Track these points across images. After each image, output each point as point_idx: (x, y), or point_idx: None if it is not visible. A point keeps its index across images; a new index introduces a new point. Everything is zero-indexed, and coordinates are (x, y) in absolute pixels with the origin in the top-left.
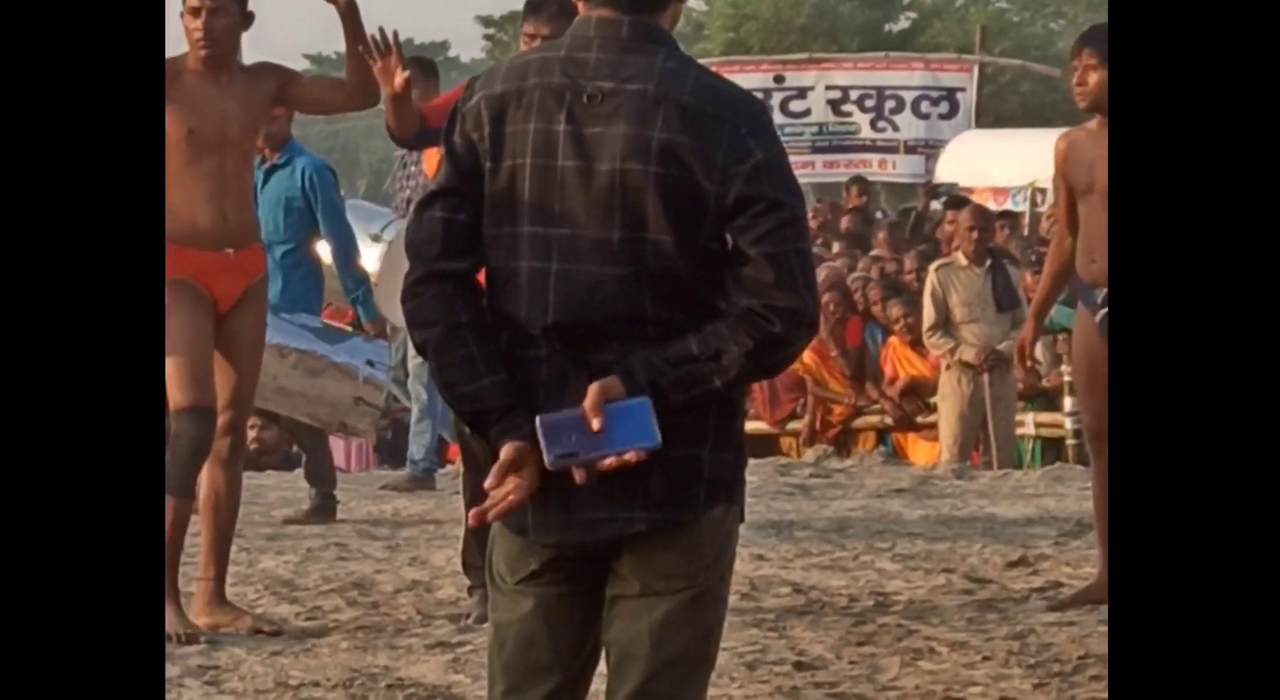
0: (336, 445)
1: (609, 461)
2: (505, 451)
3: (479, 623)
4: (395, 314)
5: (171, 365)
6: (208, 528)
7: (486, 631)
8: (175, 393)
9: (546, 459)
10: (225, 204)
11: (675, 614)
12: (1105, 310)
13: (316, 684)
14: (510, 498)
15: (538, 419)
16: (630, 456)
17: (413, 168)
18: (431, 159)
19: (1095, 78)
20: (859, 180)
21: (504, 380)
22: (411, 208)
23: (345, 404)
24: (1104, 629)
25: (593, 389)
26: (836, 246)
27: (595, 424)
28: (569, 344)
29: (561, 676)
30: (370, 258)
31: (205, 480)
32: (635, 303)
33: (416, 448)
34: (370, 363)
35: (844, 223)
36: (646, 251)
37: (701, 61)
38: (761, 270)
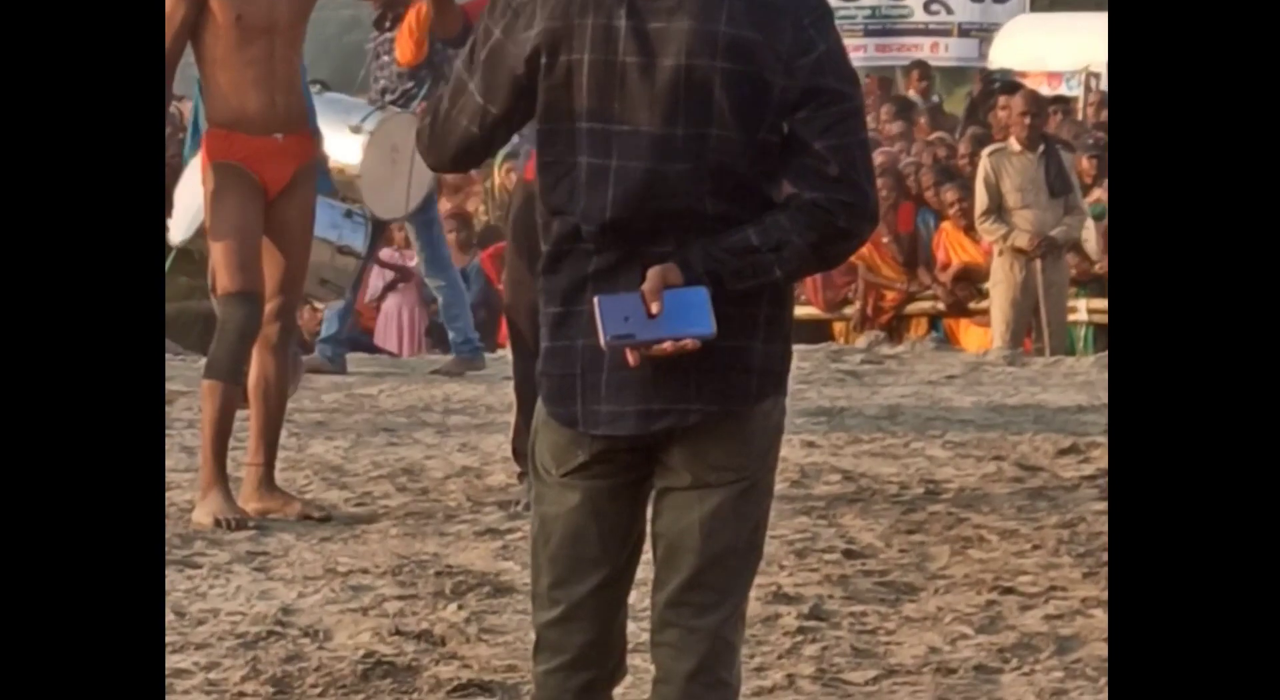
0: (390, 330)
1: (665, 346)
2: None
3: (529, 510)
4: (380, 206)
5: (219, 250)
6: (257, 413)
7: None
8: (223, 277)
9: (602, 339)
10: (274, 89)
11: (725, 506)
12: None
13: (365, 570)
14: None
15: (595, 299)
16: (687, 343)
17: (385, 57)
18: (404, 46)
19: None
20: (920, 65)
21: None
22: (418, 101)
23: (322, 260)
24: None
25: (652, 273)
26: (891, 127)
27: (654, 308)
28: (625, 239)
29: (609, 568)
30: (351, 149)
31: (255, 366)
32: (695, 198)
33: (453, 332)
34: (349, 213)
35: (885, 111)
36: (709, 147)
37: None
38: (825, 163)
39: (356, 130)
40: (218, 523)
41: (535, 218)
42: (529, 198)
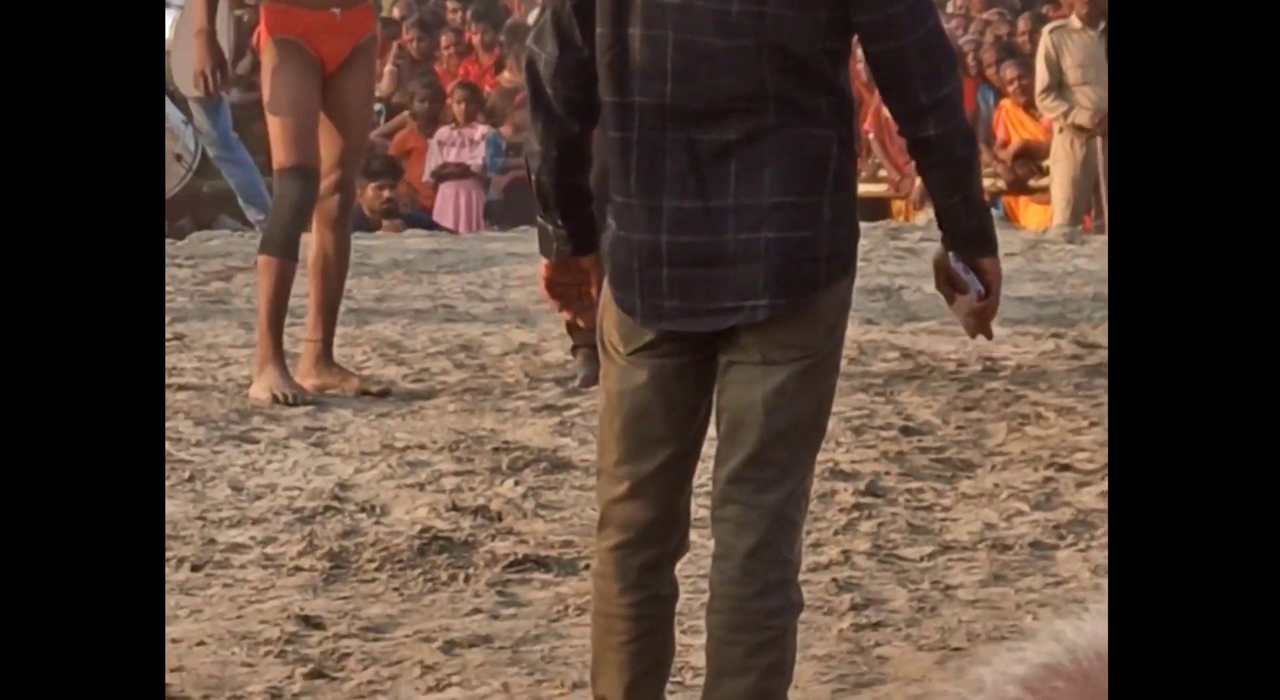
0: (447, 208)
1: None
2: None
3: (585, 385)
4: (186, 84)
5: (276, 125)
6: (316, 289)
7: (595, 395)
8: (279, 152)
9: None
10: None
11: (790, 383)
12: None
13: (422, 446)
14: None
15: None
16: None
17: None
18: None
19: None
20: None
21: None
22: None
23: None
24: None
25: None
26: (949, 5)
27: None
28: (684, 121)
29: (676, 445)
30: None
31: (314, 241)
32: (754, 76)
33: (252, 211)
34: (185, 121)
35: None
36: (766, 24)
37: None
38: (907, 78)
39: (168, 4)
40: (275, 398)
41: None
42: None
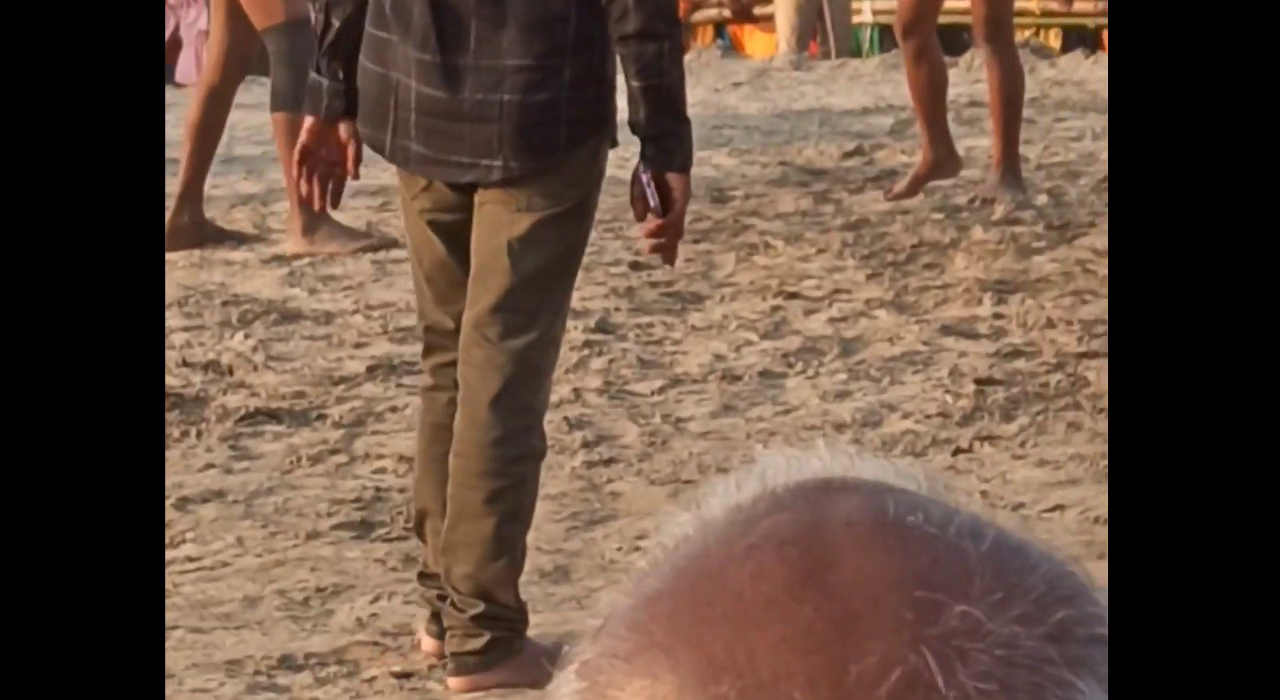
0: (189, 64)
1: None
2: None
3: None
4: None
5: None
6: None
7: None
8: (263, 11)
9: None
10: None
11: (536, 230)
12: None
13: None
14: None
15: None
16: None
17: None
18: None
19: None
20: None
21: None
22: None
23: None
24: (938, 216)
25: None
26: None
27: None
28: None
29: None
30: None
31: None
32: None
33: None
34: None
35: None
36: None
37: None
38: None
39: None
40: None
41: None
42: None
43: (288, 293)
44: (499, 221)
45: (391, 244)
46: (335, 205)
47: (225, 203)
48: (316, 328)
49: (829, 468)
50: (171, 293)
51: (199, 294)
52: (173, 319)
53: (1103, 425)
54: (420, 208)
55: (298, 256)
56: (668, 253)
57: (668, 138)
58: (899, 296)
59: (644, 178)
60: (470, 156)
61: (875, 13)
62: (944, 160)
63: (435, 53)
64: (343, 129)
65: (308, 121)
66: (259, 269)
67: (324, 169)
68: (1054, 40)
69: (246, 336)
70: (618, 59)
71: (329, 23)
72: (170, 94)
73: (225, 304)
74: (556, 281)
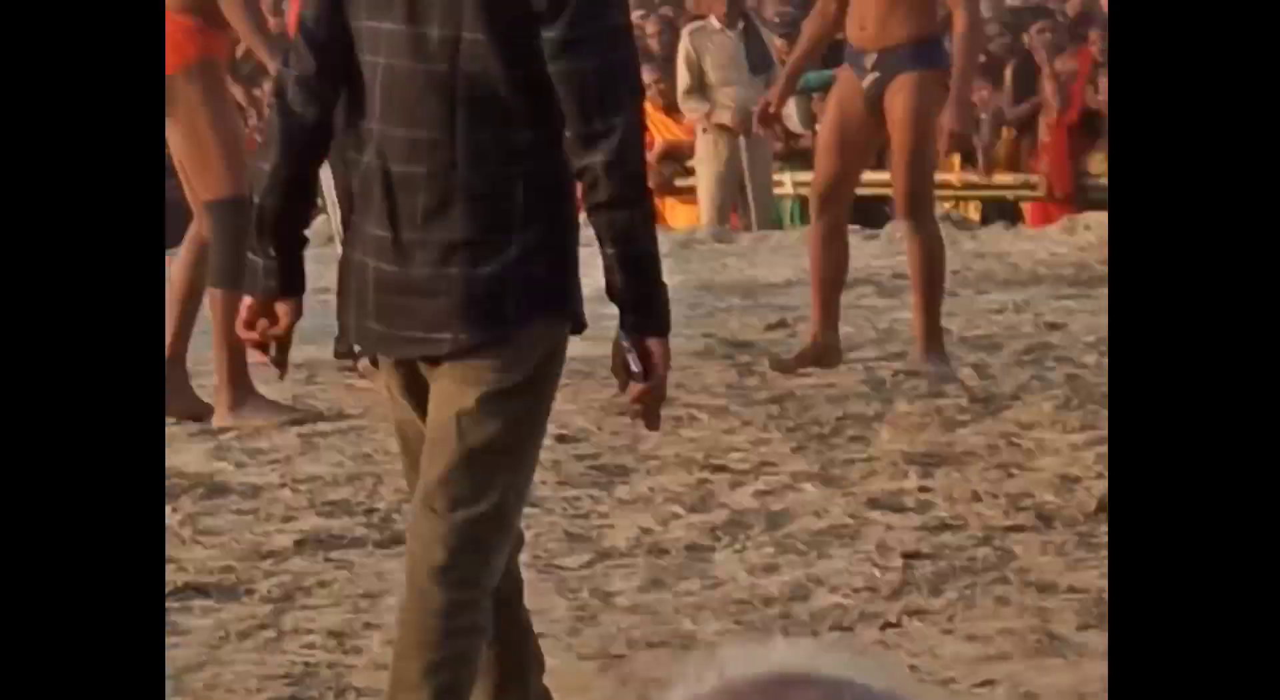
0: None
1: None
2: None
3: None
4: None
5: (208, 155)
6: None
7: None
8: (210, 183)
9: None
10: None
11: (485, 403)
12: (874, 75)
13: None
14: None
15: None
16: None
17: None
18: None
19: None
20: None
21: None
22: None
23: None
24: (864, 389)
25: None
26: None
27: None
28: (388, 151)
29: None
30: None
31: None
32: (445, 107)
33: None
34: None
35: None
36: (461, 49)
37: None
38: (580, 94)
39: None
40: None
41: None
42: None
43: (215, 466)
44: (449, 394)
45: (318, 417)
46: (281, 368)
47: None
48: (244, 501)
49: (785, 661)
50: None
51: None
52: None
53: (1030, 599)
54: (396, 386)
55: (224, 430)
56: (650, 418)
57: (645, 303)
58: (825, 469)
59: (625, 344)
60: (422, 331)
61: (796, 184)
62: (831, 347)
63: (388, 228)
64: (279, 308)
65: (245, 299)
66: (186, 442)
67: (264, 339)
68: (974, 213)
69: (174, 510)
70: (584, 233)
71: (260, 202)
72: None
73: None
74: (506, 456)
